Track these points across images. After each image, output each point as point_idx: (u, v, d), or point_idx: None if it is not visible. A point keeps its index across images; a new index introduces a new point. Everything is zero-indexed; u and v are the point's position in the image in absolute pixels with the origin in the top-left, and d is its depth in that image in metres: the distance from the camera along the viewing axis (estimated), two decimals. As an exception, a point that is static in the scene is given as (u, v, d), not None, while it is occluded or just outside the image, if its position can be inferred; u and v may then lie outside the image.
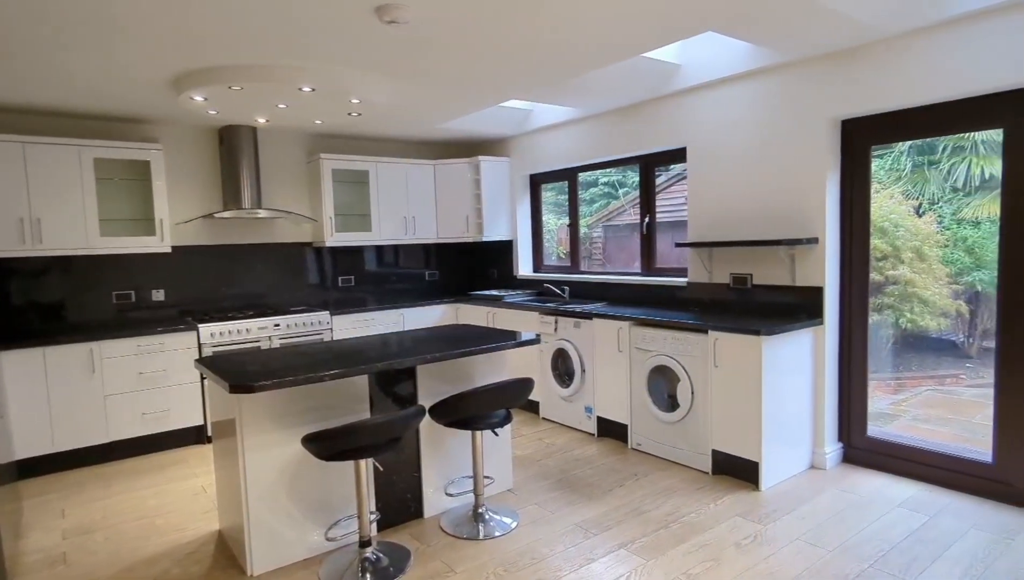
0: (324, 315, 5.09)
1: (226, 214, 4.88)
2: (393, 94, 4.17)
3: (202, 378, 4.57)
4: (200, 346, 4.54)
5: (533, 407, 5.12)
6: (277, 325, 4.86)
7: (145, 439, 4.45)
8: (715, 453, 3.69)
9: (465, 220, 5.99)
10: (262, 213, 4.99)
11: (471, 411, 3.03)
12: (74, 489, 3.87)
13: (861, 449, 3.76)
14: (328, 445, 2.58)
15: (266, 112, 4.34)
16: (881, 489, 3.42)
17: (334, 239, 5.44)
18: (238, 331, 4.68)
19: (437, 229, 6.05)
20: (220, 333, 4.60)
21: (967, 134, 3.46)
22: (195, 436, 4.65)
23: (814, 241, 3.66)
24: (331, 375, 2.68)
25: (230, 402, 2.77)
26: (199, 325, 4.54)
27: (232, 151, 4.95)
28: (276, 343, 4.84)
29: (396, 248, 6.20)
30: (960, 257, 3.89)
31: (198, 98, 3.78)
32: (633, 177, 5.14)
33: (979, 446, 3.37)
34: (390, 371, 3.14)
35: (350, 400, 3.04)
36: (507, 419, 3.18)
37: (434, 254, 6.48)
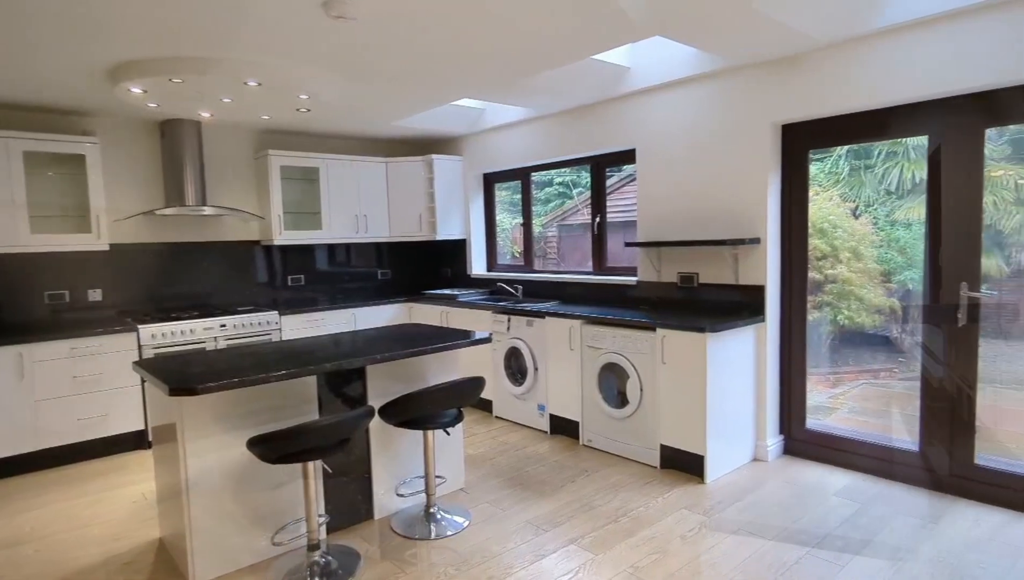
0: (272, 315, 4.97)
1: (168, 211, 4.70)
2: (343, 91, 4.11)
3: (142, 381, 4.40)
4: (140, 348, 4.37)
5: (486, 406, 5.13)
6: (223, 325, 4.72)
7: (81, 446, 4.25)
8: (663, 448, 3.78)
9: (418, 218, 5.95)
10: (207, 210, 4.83)
11: (421, 411, 3.02)
12: (1, 500, 3.67)
13: (801, 441, 3.91)
14: (274, 447, 2.52)
15: (210, 106, 4.20)
16: (819, 479, 3.57)
17: (283, 237, 5.32)
18: (181, 332, 4.52)
19: (389, 227, 5.99)
20: (162, 334, 4.44)
21: (899, 140, 3.65)
22: (135, 442, 4.47)
23: (756, 241, 3.79)
24: (277, 376, 2.63)
25: (170, 405, 2.68)
26: (139, 326, 4.37)
27: (174, 146, 4.78)
28: (222, 344, 4.70)
29: (348, 247, 6.10)
30: (893, 257, 4.11)
31: (136, 90, 3.64)
32: (586, 177, 5.21)
33: (908, 436, 3.56)
34: (339, 371, 3.10)
35: (298, 401, 2.98)
36: (458, 418, 3.18)
37: (387, 253, 6.41)
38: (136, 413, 4.42)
